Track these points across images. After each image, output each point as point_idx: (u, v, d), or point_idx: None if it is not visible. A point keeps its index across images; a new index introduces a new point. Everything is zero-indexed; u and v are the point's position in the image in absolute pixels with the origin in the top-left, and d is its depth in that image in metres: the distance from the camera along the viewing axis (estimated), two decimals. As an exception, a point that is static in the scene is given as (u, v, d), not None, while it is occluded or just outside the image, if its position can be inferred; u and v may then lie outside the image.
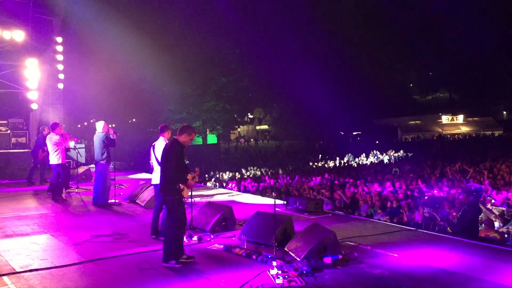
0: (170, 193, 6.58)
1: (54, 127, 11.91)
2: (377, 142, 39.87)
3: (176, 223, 6.62)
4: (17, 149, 16.84)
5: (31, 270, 6.42)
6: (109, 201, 11.24)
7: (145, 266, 6.59)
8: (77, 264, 6.73)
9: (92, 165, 16.13)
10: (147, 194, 11.15)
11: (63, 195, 12.12)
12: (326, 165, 29.47)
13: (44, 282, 5.99)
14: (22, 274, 6.28)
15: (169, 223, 6.67)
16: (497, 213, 10.69)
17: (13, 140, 17.01)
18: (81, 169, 15.59)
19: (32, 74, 17.16)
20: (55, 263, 6.75)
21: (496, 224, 10.70)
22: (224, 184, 19.28)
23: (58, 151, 11.69)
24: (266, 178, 19.62)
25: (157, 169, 8.01)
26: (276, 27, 45.73)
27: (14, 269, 6.46)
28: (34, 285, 5.85)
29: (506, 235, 10.08)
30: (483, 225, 10.64)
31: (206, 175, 23.40)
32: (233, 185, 18.58)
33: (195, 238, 7.88)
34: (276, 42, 45.67)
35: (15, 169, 16.34)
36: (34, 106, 17.56)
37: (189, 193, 7.37)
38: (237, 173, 24.50)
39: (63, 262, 6.80)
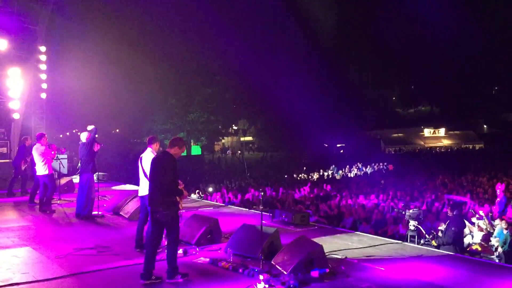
0: (168, 207, 6.38)
1: (39, 137, 11.72)
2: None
3: (177, 237, 6.51)
4: (-2, 159, 16.53)
5: (11, 284, 6.23)
6: (92, 213, 11.05)
7: (129, 280, 6.47)
8: (59, 278, 6.55)
9: (75, 176, 15.95)
10: (131, 206, 10.99)
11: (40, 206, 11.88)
12: (309, 177, 29.53)
13: (25, 296, 5.84)
14: (2, 288, 6.12)
15: (170, 238, 6.48)
16: (483, 227, 10.77)
17: (-6, 150, 16.72)
18: (63, 180, 15.31)
19: (15, 83, 16.93)
20: (36, 277, 6.57)
21: (479, 237, 10.78)
22: (209, 196, 19.14)
23: (45, 161, 11.50)
24: (251, 190, 19.55)
25: (144, 181, 7.89)
26: (262, 40, 46.05)
27: (-6, 283, 6.28)
28: (14, 300, 5.70)
29: (488, 248, 10.16)
30: (467, 238, 10.72)
31: (191, 187, 23.21)
32: (218, 196, 18.46)
33: (180, 251, 7.74)
34: (261, 54, 45.92)
35: (-4, 179, 15.99)
36: (16, 116, 17.30)
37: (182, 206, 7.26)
38: (221, 185, 24.38)
39: (45, 275, 6.62)
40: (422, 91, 63.93)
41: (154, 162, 6.63)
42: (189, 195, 17.90)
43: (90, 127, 10.89)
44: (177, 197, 6.56)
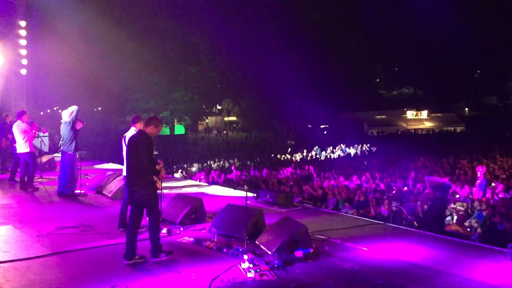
0: (145, 186, 6.36)
1: (20, 114, 11.51)
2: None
3: (158, 216, 6.54)
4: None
5: (-7, 263, 6.17)
6: (75, 191, 10.93)
7: (112, 259, 6.45)
8: (42, 256, 6.50)
9: (56, 154, 15.74)
10: (115, 185, 10.91)
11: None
12: (293, 158, 29.63)
13: (7, 275, 5.77)
14: (-17, 267, 6.04)
15: (151, 217, 6.47)
16: (462, 208, 10.96)
17: (-27, 127, 16.34)
18: (44, 158, 15.09)
19: (-6, 59, 16.54)
20: (18, 255, 6.50)
21: (459, 218, 10.98)
22: (192, 176, 19.11)
23: (26, 139, 11.30)
24: (235, 170, 19.58)
25: (128, 160, 7.81)
26: (246, 19, 45.55)
27: (-25, 262, 6.20)
28: (-4, 279, 5.64)
29: (468, 229, 10.36)
30: (448, 218, 10.90)
31: (174, 166, 23.14)
32: (202, 176, 18.44)
33: (164, 230, 7.74)
34: (246, 34, 45.49)
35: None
36: (-5, 92, 16.94)
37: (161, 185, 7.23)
38: (205, 165, 24.37)
39: (27, 254, 6.55)
40: (405, 73, 64.16)
41: (130, 142, 6.57)
42: (172, 175, 17.87)
43: (72, 108, 10.70)
44: (155, 177, 6.53)
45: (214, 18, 40.66)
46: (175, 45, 39.38)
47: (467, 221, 10.58)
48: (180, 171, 21.68)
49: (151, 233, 6.46)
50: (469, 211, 11.15)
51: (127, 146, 6.62)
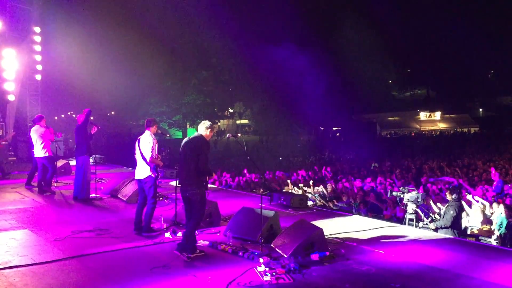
0: (199, 186, 6.65)
1: (39, 119, 11.66)
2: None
3: (201, 216, 6.85)
4: (-8, 141, 16.39)
5: (11, 267, 6.21)
6: (90, 195, 11.01)
7: (129, 262, 6.47)
8: (59, 260, 6.54)
9: (71, 159, 15.90)
10: (129, 189, 10.96)
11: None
12: (306, 161, 29.50)
13: (25, 279, 5.80)
14: (1, 271, 6.08)
15: (194, 216, 6.74)
16: (484, 205, 10.83)
17: (-12, 132, 16.61)
18: (60, 163, 15.24)
19: (9, 64, 16.78)
20: (36, 259, 6.55)
21: (477, 219, 10.83)
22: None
23: (43, 143, 11.42)
24: (249, 173, 19.53)
25: (141, 163, 7.83)
26: (258, 21, 45.64)
27: (-7, 266, 6.25)
28: (14, 283, 5.66)
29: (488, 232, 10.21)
30: (463, 220, 10.76)
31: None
32: (215, 180, 18.42)
33: (179, 234, 7.73)
34: (257, 36, 45.58)
35: (-10, 162, 15.87)
36: (11, 98, 17.17)
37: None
38: (218, 168, 24.33)
39: (44, 258, 6.60)
40: (418, 74, 63.73)
41: (188, 144, 6.83)
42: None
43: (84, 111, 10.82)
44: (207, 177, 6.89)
45: (225, 21, 40.73)
46: (187, 49, 39.53)
47: (487, 223, 10.44)
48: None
49: (187, 230, 6.76)
50: (488, 212, 10.99)
51: (184, 148, 6.84)
